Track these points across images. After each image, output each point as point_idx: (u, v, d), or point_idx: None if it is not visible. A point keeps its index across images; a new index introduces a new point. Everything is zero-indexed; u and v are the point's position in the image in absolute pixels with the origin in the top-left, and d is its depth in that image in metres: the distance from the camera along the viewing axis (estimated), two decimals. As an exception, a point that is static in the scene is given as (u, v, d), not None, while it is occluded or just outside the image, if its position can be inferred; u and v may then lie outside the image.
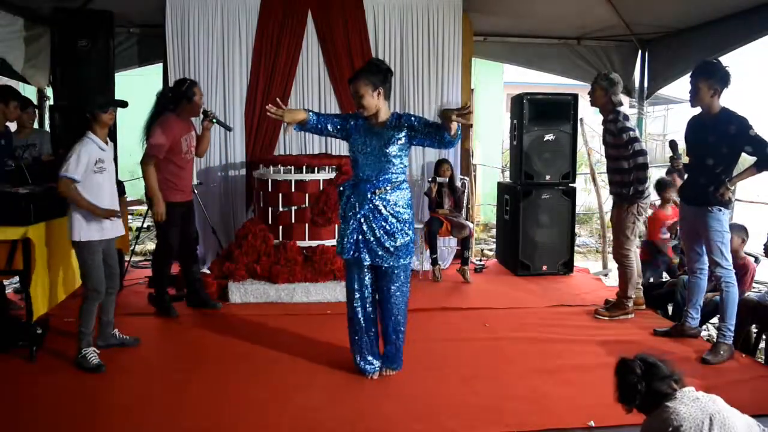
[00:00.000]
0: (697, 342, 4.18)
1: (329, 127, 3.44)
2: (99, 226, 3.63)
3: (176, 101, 4.40)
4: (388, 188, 3.34)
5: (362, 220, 3.34)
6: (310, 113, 3.40)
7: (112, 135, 5.34)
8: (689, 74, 3.91)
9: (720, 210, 3.86)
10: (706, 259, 4.05)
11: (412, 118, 3.35)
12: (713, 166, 3.86)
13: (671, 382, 2.16)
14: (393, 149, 3.30)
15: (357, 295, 3.48)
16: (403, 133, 3.32)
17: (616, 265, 4.82)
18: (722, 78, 3.80)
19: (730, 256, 3.91)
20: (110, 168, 3.71)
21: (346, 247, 3.38)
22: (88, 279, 3.66)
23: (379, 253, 3.35)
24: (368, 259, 3.37)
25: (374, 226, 3.33)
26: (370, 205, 3.33)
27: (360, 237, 3.35)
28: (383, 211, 3.33)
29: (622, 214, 4.58)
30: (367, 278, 3.46)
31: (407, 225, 3.40)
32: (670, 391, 2.14)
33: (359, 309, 3.49)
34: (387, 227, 3.33)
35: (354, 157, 3.41)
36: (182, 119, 4.43)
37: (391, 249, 3.35)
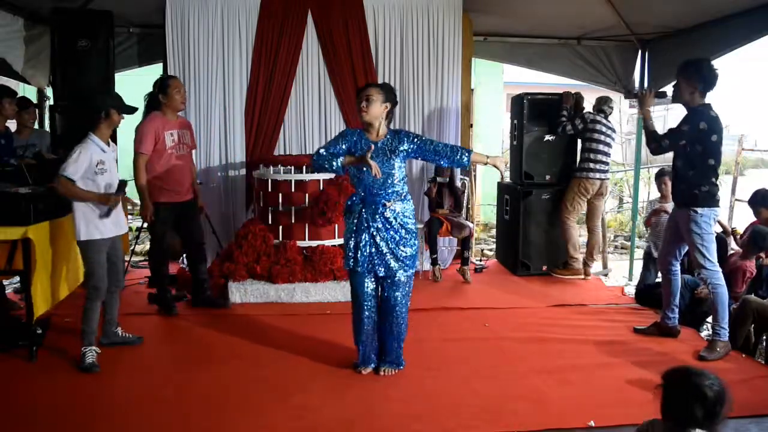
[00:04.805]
0: (694, 342, 4.18)
1: (342, 151, 3.40)
2: (102, 224, 3.65)
3: (156, 99, 4.45)
4: (397, 200, 3.44)
5: (375, 233, 3.41)
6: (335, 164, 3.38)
7: (112, 136, 5.35)
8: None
9: (699, 212, 3.83)
10: (678, 261, 4.16)
11: (412, 135, 3.46)
12: (682, 167, 3.87)
13: (716, 416, 1.96)
14: (397, 161, 3.40)
15: (365, 305, 3.54)
16: (404, 146, 3.40)
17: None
18: (705, 78, 3.77)
19: (714, 257, 3.88)
20: (111, 169, 3.72)
21: (360, 261, 3.44)
22: (90, 276, 3.67)
23: (391, 264, 3.44)
24: (383, 272, 3.45)
25: (386, 237, 3.42)
26: (382, 218, 3.41)
27: (373, 250, 3.43)
28: (394, 222, 3.43)
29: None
30: (373, 286, 3.55)
31: (414, 235, 3.51)
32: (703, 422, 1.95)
33: (366, 316, 3.56)
34: (397, 238, 3.44)
35: (359, 175, 3.43)
36: (166, 115, 4.46)
37: (402, 259, 3.45)
